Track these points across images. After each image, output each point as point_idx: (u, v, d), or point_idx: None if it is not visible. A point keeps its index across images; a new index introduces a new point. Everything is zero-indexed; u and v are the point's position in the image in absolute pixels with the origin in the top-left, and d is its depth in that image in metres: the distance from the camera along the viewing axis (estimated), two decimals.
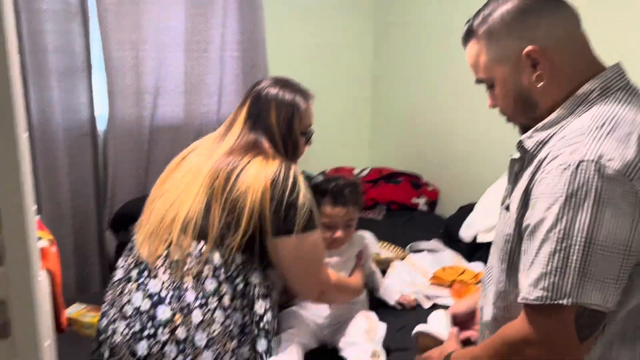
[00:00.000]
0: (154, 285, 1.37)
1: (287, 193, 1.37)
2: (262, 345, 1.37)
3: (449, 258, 2.13)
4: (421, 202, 2.82)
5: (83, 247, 2.54)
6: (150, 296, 1.36)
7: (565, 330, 0.92)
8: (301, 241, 1.39)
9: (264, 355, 1.37)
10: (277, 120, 1.50)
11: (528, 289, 0.94)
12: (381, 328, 1.60)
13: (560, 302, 0.90)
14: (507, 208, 1.07)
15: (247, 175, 1.39)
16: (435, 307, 1.82)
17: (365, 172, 3.05)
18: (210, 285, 1.36)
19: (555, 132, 1.01)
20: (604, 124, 0.94)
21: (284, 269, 1.43)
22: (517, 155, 1.09)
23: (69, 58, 2.39)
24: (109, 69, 2.45)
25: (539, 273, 0.92)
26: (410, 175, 2.96)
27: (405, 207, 2.80)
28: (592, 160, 0.90)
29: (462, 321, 1.40)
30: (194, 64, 2.63)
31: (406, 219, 2.64)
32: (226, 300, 1.35)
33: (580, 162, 0.90)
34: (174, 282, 1.36)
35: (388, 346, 1.55)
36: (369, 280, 1.85)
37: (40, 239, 1.48)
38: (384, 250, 2.21)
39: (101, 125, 2.55)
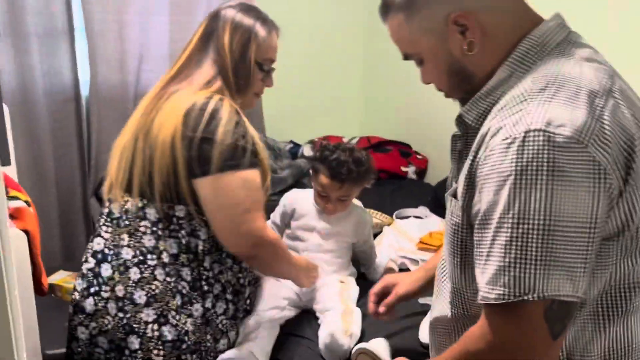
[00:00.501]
0: (97, 244, 1.37)
1: (201, 126, 1.23)
2: (210, 302, 1.33)
3: (435, 224, 2.13)
4: (410, 170, 2.80)
5: (68, 214, 2.51)
6: (94, 254, 1.36)
7: (535, 329, 0.79)
8: (220, 182, 1.24)
9: (215, 313, 1.33)
10: (230, 43, 1.34)
11: (486, 287, 0.81)
12: (354, 289, 1.59)
13: (525, 298, 0.77)
14: (455, 195, 0.94)
15: (163, 112, 1.28)
16: None
17: (354, 141, 3.03)
18: (148, 242, 1.30)
19: (496, 101, 0.90)
20: (547, 85, 0.83)
21: (208, 216, 1.28)
22: (457, 131, 0.98)
23: (48, 20, 2.32)
24: (90, 32, 2.39)
25: (496, 267, 0.80)
26: (399, 144, 2.94)
27: (394, 176, 2.79)
28: (540, 130, 0.77)
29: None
30: (179, 29, 2.56)
31: (395, 187, 2.63)
32: (165, 257, 1.29)
33: (527, 133, 0.78)
34: (113, 240, 1.34)
35: (364, 329, 1.49)
36: (363, 257, 1.82)
37: (16, 199, 1.45)
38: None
39: (85, 91, 2.50)
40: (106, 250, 1.35)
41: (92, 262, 1.37)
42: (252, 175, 1.27)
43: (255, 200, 1.29)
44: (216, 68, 1.34)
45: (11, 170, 1.80)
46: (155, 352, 1.29)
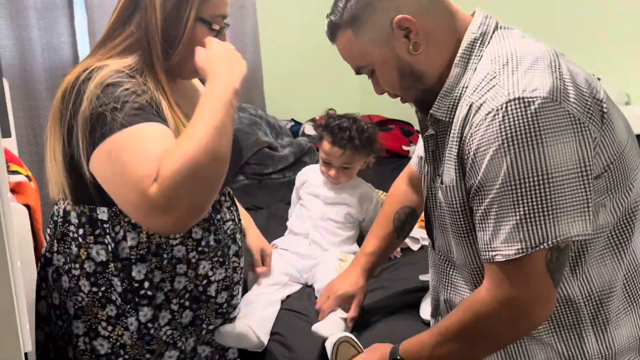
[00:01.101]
0: (46, 246, 1.26)
1: (71, 104, 1.04)
2: (149, 315, 1.18)
3: None
4: (412, 149, 2.80)
5: None
6: (42, 257, 1.26)
7: (540, 280, 0.89)
8: (97, 158, 1.02)
9: (158, 326, 1.19)
10: None
11: (503, 246, 0.89)
12: None
13: (543, 247, 0.86)
14: (442, 182, 1.02)
15: (59, 91, 1.10)
16: (423, 249, 1.81)
17: None
18: (74, 249, 1.16)
19: (461, 93, 0.98)
20: (507, 61, 0.93)
21: (114, 200, 1.05)
22: (431, 131, 1.04)
23: None
24: (89, 6, 2.36)
25: (510, 226, 0.88)
26: (401, 122, 2.93)
27: (396, 155, 2.78)
28: (517, 98, 0.87)
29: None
30: None
31: (396, 166, 2.62)
32: (90, 266, 1.15)
33: (507, 103, 0.87)
34: (50, 246, 1.22)
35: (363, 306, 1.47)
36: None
37: (17, 173, 1.45)
38: None
39: None
40: (47, 255, 1.23)
41: (39, 266, 1.27)
42: (131, 133, 1.00)
43: (141, 152, 0.98)
44: (141, 30, 1.11)
45: (12, 145, 1.80)
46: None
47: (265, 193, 2.49)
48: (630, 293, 1.00)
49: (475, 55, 0.99)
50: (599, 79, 2.21)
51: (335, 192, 1.71)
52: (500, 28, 1.01)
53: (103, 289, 1.16)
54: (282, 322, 1.46)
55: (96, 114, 1.01)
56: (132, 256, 1.15)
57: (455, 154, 0.97)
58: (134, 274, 1.15)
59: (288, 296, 1.55)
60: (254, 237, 1.54)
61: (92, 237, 1.14)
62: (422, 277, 1.55)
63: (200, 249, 1.20)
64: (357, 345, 1.25)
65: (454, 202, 1.00)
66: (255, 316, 1.39)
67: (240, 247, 1.32)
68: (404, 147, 2.82)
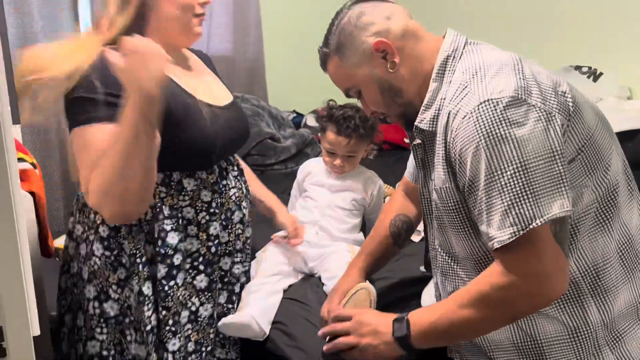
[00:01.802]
0: (70, 221, 1.36)
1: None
2: (164, 274, 1.25)
3: None
4: None
5: (71, 179, 2.51)
6: (67, 233, 1.37)
7: (552, 251, 0.96)
8: (72, 137, 1.16)
9: (175, 285, 1.27)
10: None
11: (497, 232, 0.97)
12: None
13: (532, 226, 0.94)
14: (439, 190, 1.10)
15: None
16: (423, 240, 1.82)
17: None
18: (92, 216, 1.26)
19: (441, 104, 1.09)
20: (476, 71, 1.04)
21: None
22: (417, 140, 1.15)
23: None
24: None
25: (500, 214, 0.96)
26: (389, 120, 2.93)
27: (397, 147, 2.79)
28: (487, 100, 0.97)
29: None
30: None
31: (397, 158, 2.63)
32: (103, 230, 1.23)
33: (479, 105, 0.98)
34: (73, 218, 1.33)
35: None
36: (373, 223, 1.83)
37: (22, 161, 1.46)
38: None
39: None
40: (70, 227, 1.35)
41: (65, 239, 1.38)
42: (92, 130, 1.11)
43: (85, 165, 1.13)
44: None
45: (16, 132, 1.80)
46: (99, 330, 1.27)
47: (268, 184, 2.47)
48: (626, 263, 1.07)
49: (449, 70, 1.10)
50: (601, 74, 2.23)
51: (340, 180, 1.74)
52: (470, 44, 1.13)
53: (115, 252, 1.24)
54: (283, 310, 1.47)
55: (73, 100, 1.14)
56: (146, 218, 1.22)
57: (444, 158, 1.06)
58: (150, 235, 1.23)
59: (290, 285, 1.57)
60: (284, 213, 1.63)
61: None
62: (423, 268, 1.57)
63: (211, 210, 1.29)
64: (373, 301, 1.29)
65: (449, 202, 1.08)
66: (258, 306, 1.41)
67: (244, 215, 1.39)
68: (405, 140, 2.82)
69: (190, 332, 1.32)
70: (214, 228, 1.30)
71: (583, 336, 1.06)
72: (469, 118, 0.98)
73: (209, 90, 1.34)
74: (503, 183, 0.95)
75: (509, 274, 0.98)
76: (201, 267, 1.30)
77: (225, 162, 1.36)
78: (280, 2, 3.17)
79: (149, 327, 1.25)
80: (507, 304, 1.00)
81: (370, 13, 1.13)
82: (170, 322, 1.27)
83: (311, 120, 3.03)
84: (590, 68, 2.26)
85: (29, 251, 0.78)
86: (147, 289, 1.24)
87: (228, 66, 3.03)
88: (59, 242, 2.07)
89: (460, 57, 1.10)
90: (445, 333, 1.06)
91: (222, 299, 1.39)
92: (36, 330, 0.80)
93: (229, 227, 1.34)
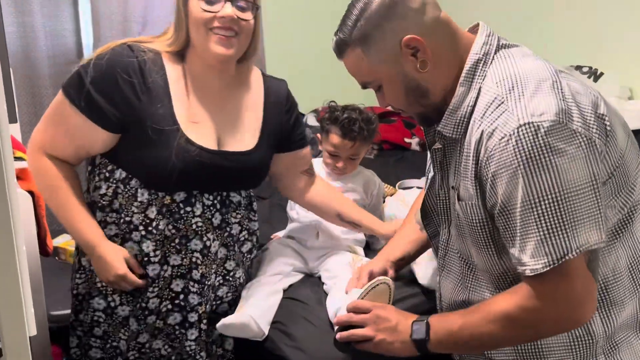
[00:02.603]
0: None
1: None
2: (146, 246, 1.32)
3: None
4: (414, 142, 2.80)
5: None
6: None
7: (584, 279, 0.96)
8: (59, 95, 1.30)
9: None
10: None
11: (531, 261, 0.96)
12: (364, 261, 1.60)
13: (567, 257, 0.93)
14: (459, 198, 1.08)
15: None
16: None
17: None
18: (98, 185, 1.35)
19: (467, 111, 1.04)
20: (513, 85, 0.98)
21: None
22: (438, 145, 1.12)
23: None
24: None
25: (534, 243, 0.95)
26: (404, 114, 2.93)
27: (398, 147, 2.78)
28: (528, 123, 0.93)
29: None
30: None
31: (398, 158, 2.63)
32: (105, 199, 1.32)
33: (518, 128, 0.93)
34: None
35: None
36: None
37: (21, 160, 1.46)
38: None
39: (89, 54, 2.48)
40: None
41: None
42: (62, 108, 1.27)
43: (56, 123, 1.29)
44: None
45: (15, 131, 1.80)
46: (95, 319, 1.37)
47: (269, 183, 2.48)
48: (635, 277, 1.08)
49: (479, 76, 1.04)
50: (602, 74, 2.23)
51: (340, 182, 1.73)
52: (502, 47, 1.06)
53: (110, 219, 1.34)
54: (283, 310, 1.47)
55: (74, 72, 1.27)
56: (100, 202, 1.32)
57: (473, 174, 1.02)
58: (109, 209, 1.32)
59: (290, 285, 1.56)
60: (381, 226, 1.62)
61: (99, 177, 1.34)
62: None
63: (150, 228, 1.31)
64: (392, 296, 1.29)
65: (474, 218, 1.05)
66: (257, 306, 1.40)
67: (206, 247, 1.35)
68: (406, 140, 2.82)
69: (102, 320, 1.37)
70: (146, 246, 1.32)
71: (584, 345, 1.05)
72: (508, 141, 0.94)
73: (220, 129, 1.32)
74: (540, 212, 0.93)
75: (540, 299, 0.97)
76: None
77: (198, 191, 1.32)
78: (281, 1, 3.16)
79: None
80: (533, 327, 1.01)
81: (402, 3, 1.03)
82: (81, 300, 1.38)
83: (312, 120, 3.02)
84: (590, 68, 2.25)
85: (25, 250, 0.77)
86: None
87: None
88: (58, 241, 2.08)
89: (491, 62, 1.04)
90: (465, 344, 1.07)
91: (171, 320, 1.36)
92: (33, 331, 0.79)
93: (183, 252, 1.33)
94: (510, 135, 0.94)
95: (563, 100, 0.96)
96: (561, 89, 0.97)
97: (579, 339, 1.05)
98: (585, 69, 2.26)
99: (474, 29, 1.10)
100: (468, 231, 1.08)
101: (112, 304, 1.35)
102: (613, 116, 1.02)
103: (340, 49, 1.09)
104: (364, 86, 1.13)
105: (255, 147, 1.37)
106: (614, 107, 1.08)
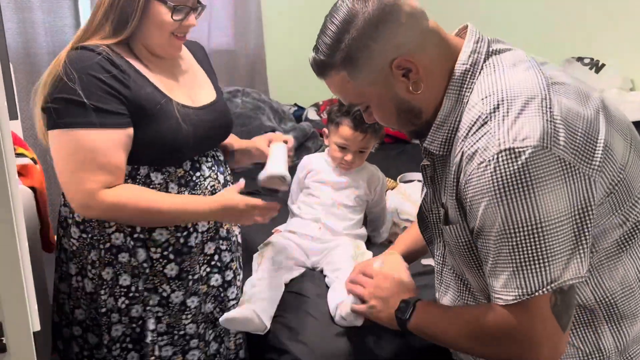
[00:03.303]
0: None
1: (50, 90, 1.22)
2: (123, 257, 1.32)
3: None
4: None
5: None
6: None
7: (545, 322, 0.92)
8: (51, 140, 1.25)
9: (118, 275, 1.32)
10: None
11: (502, 290, 0.93)
12: (367, 255, 1.61)
13: (537, 294, 0.89)
14: (447, 222, 1.04)
15: None
16: None
17: None
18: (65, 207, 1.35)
19: (453, 126, 0.99)
20: (498, 104, 0.92)
21: None
22: (426, 162, 1.08)
23: None
24: None
25: (507, 274, 0.91)
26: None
27: (399, 140, 2.78)
28: (508, 149, 0.88)
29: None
30: None
31: (399, 152, 2.63)
32: (77, 215, 1.32)
33: (498, 154, 0.88)
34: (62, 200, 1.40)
35: None
36: (373, 219, 1.83)
37: (23, 156, 1.46)
38: None
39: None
40: (61, 210, 1.43)
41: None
42: (81, 136, 1.20)
43: (85, 162, 1.21)
44: (96, 7, 1.26)
45: (17, 128, 1.80)
46: (83, 300, 1.37)
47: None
48: None
49: (466, 88, 0.98)
50: (603, 65, 2.22)
51: (344, 177, 1.73)
52: (493, 54, 1.00)
53: (90, 235, 1.31)
54: (285, 304, 1.47)
55: (64, 100, 1.20)
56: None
57: (455, 197, 0.99)
58: (111, 224, 1.30)
59: (292, 279, 1.57)
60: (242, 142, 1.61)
61: None
62: (425, 262, 1.56)
63: None
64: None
65: (459, 240, 1.02)
66: (259, 300, 1.41)
67: None
68: None
69: (161, 314, 1.37)
70: None
71: None
72: (487, 167, 0.89)
73: (188, 90, 1.39)
74: (515, 243, 0.89)
75: (503, 328, 0.95)
76: (171, 256, 1.34)
77: (198, 155, 1.38)
78: None
79: (103, 310, 1.34)
80: (496, 354, 1.00)
81: (390, 20, 0.95)
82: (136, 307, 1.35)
83: (312, 114, 3.02)
84: (592, 60, 2.25)
85: (27, 246, 0.78)
86: (106, 274, 1.32)
87: (229, 60, 3.02)
88: None
89: (480, 72, 0.98)
90: (437, 340, 1.09)
91: (214, 282, 1.41)
92: (36, 326, 0.80)
93: None
94: (489, 161, 0.89)
95: (550, 121, 0.89)
96: (550, 108, 0.91)
97: (590, 356, 1.00)
98: (586, 61, 2.25)
99: (463, 32, 1.04)
100: (456, 252, 1.06)
101: (164, 294, 1.35)
102: (612, 128, 0.95)
103: (322, 70, 1.01)
104: (350, 105, 1.08)
105: (217, 95, 1.45)
106: (615, 109, 1.01)
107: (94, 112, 1.19)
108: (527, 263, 0.89)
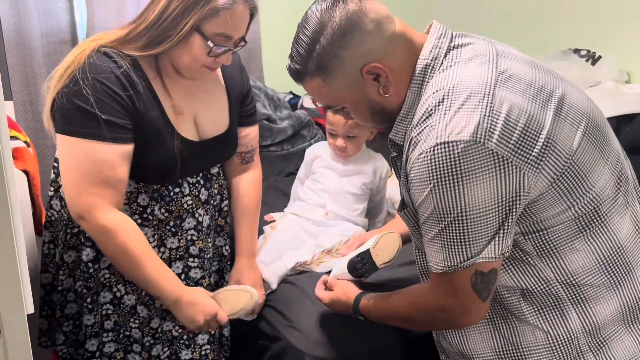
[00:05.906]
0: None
1: (64, 88, 1.22)
2: (86, 254, 1.33)
3: None
4: None
5: None
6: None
7: (466, 295, 1.02)
8: (59, 142, 1.25)
9: (89, 265, 1.34)
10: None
11: (432, 261, 1.03)
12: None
13: (459, 268, 1.00)
14: (403, 204, 1.13)
15: None
16: None
17: None
18: (54, 175, 1.38)
19: (414, 118, 1.04)
20: (443, 98, 0.98)
21: None
22: (394, 153, 1.13)
23: None
24: None
25: (436, 249, 1.02)
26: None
27: None
28: (444, 142, 0.94)
29: None
30: None
31: None
32: (62, 191, 1.32)
33: (435, 147, 0.95)
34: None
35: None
36: (372, 207, 1.83)
37: (16, 139, 1.45)
38: None
39: (82, 34, 2.45)
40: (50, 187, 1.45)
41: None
42: (90, 146, 1.21)
43: (90, 173, 1.22)
44: (141, 18, 1.25)
45: (9, 110, 1.79)
46: (51, 266, 1.42)
47: (264, 165, 2.46)
48: (613, 272, 1.06)
49: (427, 82, 1.04)
50: (600, 57, 2.22)
51: (350, 164, 1.73)
52: (453, 48, 1.04)
53: (67, 217, 1.34)
54: (278, 291, 1.49)
55: (72, 109, 1.21)
56: None
57: (405, 182, 1.06)
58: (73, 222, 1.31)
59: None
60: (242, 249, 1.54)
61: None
62: None
63: (145, 215, 1.33)
64: (400, 246, 1.35)
65: (411, 223, 1.11)
66: (265, 267, 1.48)
67: (199, 222, 1.39)
68: None
69: (111, 313, 1.37)
70: (145, 233, 1.32)
71: (564, 343, 1.06)
72: (425, 158, 0.97)
73: (199, 118, 1.37)
74: (443, 226, 0.99)
75: (431, 301, 1.07)
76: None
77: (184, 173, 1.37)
78: None
79: (59, 288, 1.39)
80: (427, 324, 1.15)
81: (357, 28, 1.00)
82: (89, 299, 1.35)
83: (308, 102, 3.01)
84: (588, 51, 2.24)
85: (22, 230, 0.77)
86: (68, 257, 1.37)
87: None
88: None
89: (440, 66, 1.03)
90: (384, 320, 1.21)
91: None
92: (30, 308, 0.80)
93: (179, 233, 1.37)
94: (426, 152, 0.96)
95: (488, 115, 0.95)
96: (491, 103, 0.96)
97: (558, 338, 1.06)
98: (583, 52, 2.25)
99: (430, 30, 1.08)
100: (413, 234, 1.14)
101: (118, 294, 1.36)
102: (562, 120, 1.00)
103: (298, 77, 1.08)
104: (328, 107, 1.15)
105: (230, 123, 1.43)
106: (576, 98, 1.04)
107: (105, 125, 1.20)
108: (452, 243, 0.99)
